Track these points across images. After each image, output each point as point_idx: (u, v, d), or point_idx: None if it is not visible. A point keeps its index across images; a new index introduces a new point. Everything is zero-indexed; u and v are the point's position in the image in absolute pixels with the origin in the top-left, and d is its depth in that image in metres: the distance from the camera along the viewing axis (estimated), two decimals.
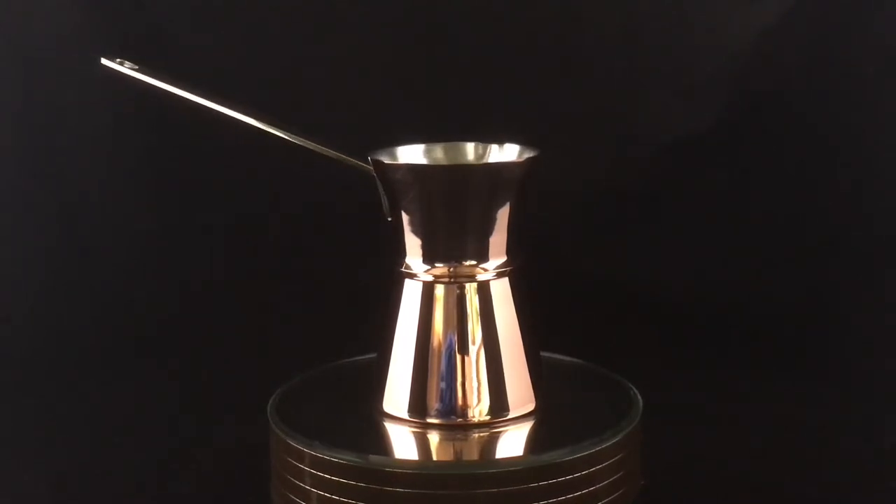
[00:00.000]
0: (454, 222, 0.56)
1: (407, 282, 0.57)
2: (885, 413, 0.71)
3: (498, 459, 0.54)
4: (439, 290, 0.57)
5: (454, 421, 0.56)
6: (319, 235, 0.88)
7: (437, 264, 0.57)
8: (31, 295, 0.87)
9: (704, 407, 0.72)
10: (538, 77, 0.86)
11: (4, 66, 0.87)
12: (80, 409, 0.74)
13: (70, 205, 0.88)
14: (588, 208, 0.88)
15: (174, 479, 0.63)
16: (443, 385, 0.56)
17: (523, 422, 0.57)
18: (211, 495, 0.61)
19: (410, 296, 0.57)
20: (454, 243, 0.56)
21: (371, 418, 0.58)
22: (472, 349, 0.56)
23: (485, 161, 0.61)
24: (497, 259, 0.57)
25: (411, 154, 0.60)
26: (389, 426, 0.57)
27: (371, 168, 0.58)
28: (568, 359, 0.65)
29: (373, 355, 0.59)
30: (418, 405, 0.56)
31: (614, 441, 0.54)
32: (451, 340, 0.56)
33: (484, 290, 0.57)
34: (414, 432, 0.56)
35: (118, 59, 0.61)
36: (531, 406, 0.57)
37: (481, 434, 0.56)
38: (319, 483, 0.53)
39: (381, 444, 0.57)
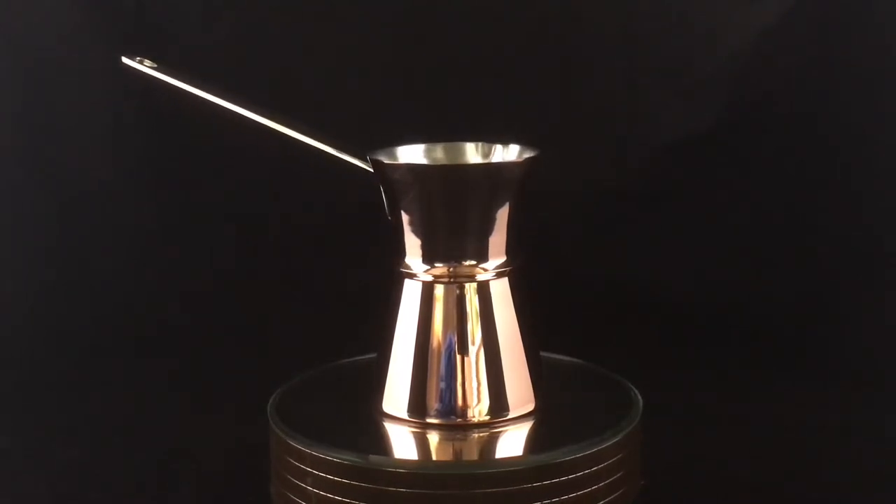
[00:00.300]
0: (454, 222, 0.56)
1: (407, 282, 0.57)
2: (885, 413, 0.71)
3: (498, 459, 0.54)
4: (439, 290, 0.57)
5: (454, 421, 0.56)
6: (319, 235, 0.88)
7: (436, 264, 0.57)
8: (31, 295, 0.87)
9: (704, 407, 0.72)
10: (538, 77, 0.86)
11: (4, 65, 0.87)
12: (80, 409, 0.74)
13: (70, 205, 0.88)
14: (588, 208, 0.88)
15: (174, 479, 0.63)
16: (442, 385, 0.56)
17: (523, 422, 0.57)
18: (211, 495, 0.61)
19: (410, 296, 0.57)
20: (454, 243, 0.56)
21: (371, 418, 0.58)
22: (472, 349, 0.56)
23: (485, 161, 0.61)
24: (497, 259, 0.57)
25: (411, 154, 0.60)
26: (389, 426, 0.57)
27: (371, 168, 0.58)
28: (568, 359, 0.65)
29: (373, 355, 0.59)
30: (418, 405, 0.56)
31: (614, 441, 0.54)
32: (450, 340, 0.56)
33: (483, 290, 0.57)
34: (414, 432, 0.56)
35: (138, 58, 0.61)
36: (531, 406, 0.57)
37: (481, 434, 0.56)
38: (319, 483, 0.53)
39: (381, 444, 0.57)
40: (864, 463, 0.64)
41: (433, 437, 0.56)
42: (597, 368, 0.64)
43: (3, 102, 0.87)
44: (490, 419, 0.56)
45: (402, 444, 0.56)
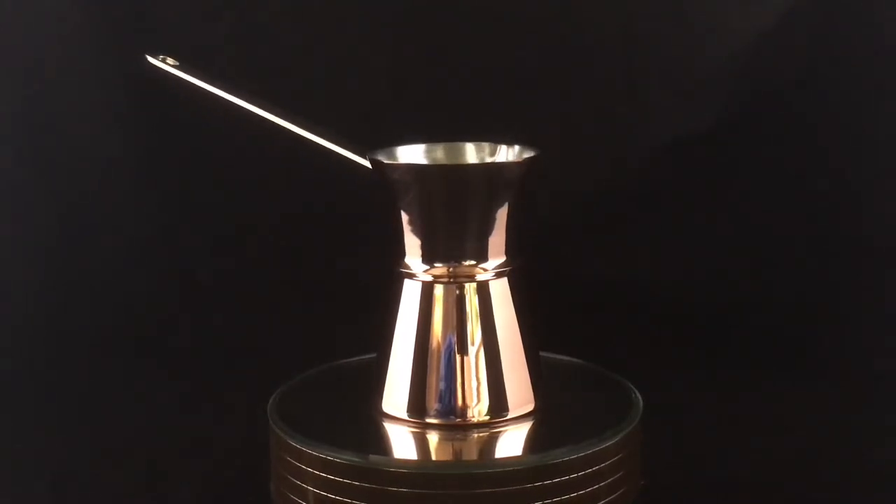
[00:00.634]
0: (454, 222, 0.56)
1: (406, 282, 0.57)
2: (885, 413, 0.71)
3: (497, 459, 0.54)
4: (439, 290, 0.57)
5: (453, 421, 0.56)
6: (319, 235, 0.88)
7: (436, 264, 0.57)
8: (31, 295, 0.87)
9: (704, 407, 0.72)
10: (538, 77, 0.86)
11: (4, 65, 0.87)
12: (80, 409, 0.74)
13: (70, 205, 0.88)
14: (588, 208, 0.88)
15: (174, 480, 0.63)
16: (442, 385, 0.56)
17: (523, 422, 0.57)
18: (211, 495, 0.61)
19: (410, 296, 0.57)
20: (454, 243, 0.56)
21: (371, 418, 0.58)
22: (472, 349, 0.56)
23: (484, 161, 0.61)
24: (496, 259, 0.57)
25: (411, 154, 0.60)
26: (389, 426, 0.57)
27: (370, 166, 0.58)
28: (568, 359, 0.65)
29: (373, 355, 0.59)
30: (418, 405, 0.56)
31: (614, 441, 0.54)
32: (450, 340, 0.56)
33: (483, 290, 0.57)
34: (413, 432, 0.56)
35: (161, 56, 0.61)
36: (530, 406, 0.57)
37: (481, 434, 0.56)
38: (319, 483, 0.53)
39: (381, 444, 0.57)
40: (864, 463, 0.64)
41: (433, 437, 0.56)
42: (597, 368, 0.64)
43: (3, 102, 0.87)
44: (490, 419, 0.56)
45: (402, 444, 0.56)
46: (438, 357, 0.56)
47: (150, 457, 0.66)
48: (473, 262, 0.57)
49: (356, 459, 0.52)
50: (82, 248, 0.88)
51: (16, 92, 0.87)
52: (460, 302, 0.56)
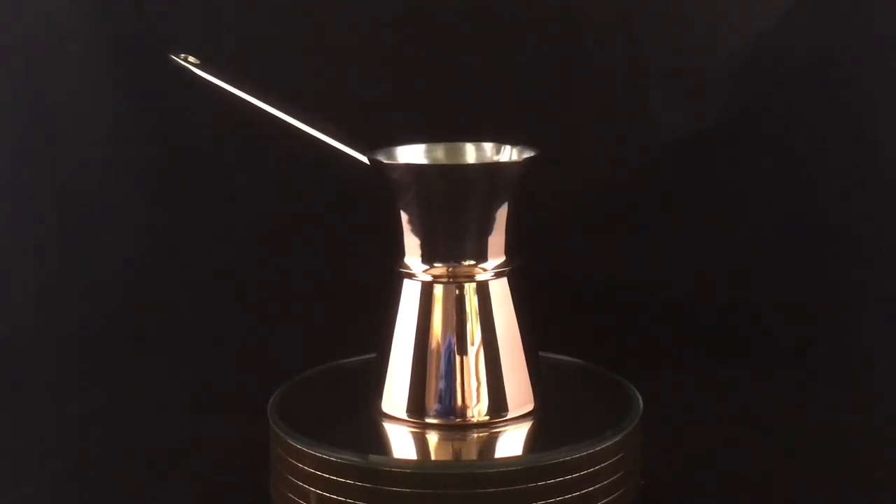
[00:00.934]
0: (453, 222, 0.56)
1: (406, 282, 0.57)
2: (885, 413, 0.71)
3: (497, 459, 0.54)
4: (438, 290, 0.57)
5: (453, 421, 0.56)
6: (319, 235, 0.88)
7: (436, 264, 0.57)
8: (31, 295, 0.87)
9: (704, 407, 0.72)
10: (538, 77, 0.86)
11: (4, 65, 0.87)
12: (80, 409, 0.74)
13: (70, 204, 0.88)
14: (588, 208, 0.88)
15: (174, 480, 0.63)
16: (442, 385, 0.56)
17: (522, 422, 0.57)
18: (211, 495, 0.61)
19: (409, 296, 0.57)
20: (453, 243, 0.56)
21: (371, 418, 0.58)
22: (471, 349, 0.56)
23: (484, 161, 0.61)
24: (496, 259, 0.57)
25: (410, 154, 0.60)
26: (389, 426, 0.57)
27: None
28: (568, 359, 0.65)
29: (372, 355, 0.59)
30: (417, 405, 0.56)
31: (614, 441, 0.54)
32: (449, 340, 0.56)
33: (483, 290, 0.57)
34: (413, 432, 0.56)
35: (182, 55, 0.61)
36: (530, 406, 0.57)
37: (480, 434, 0.56)
38: (319, 483, 0.53)
39: (381, 443, 0.57)
40: (863, 463, 0.64)
41: (432, 437, 0.56)
42: (597, 368, 0.64)
43: (4, 102, 0.87)
44: (489, 419, 0.56)
45: (402, 443, 0.56)
46: (438, 357, 0.56)
47: (150, 457, 0.66)
48: (473, 262, 0.57)
49: (356, 459, 0.52)
50: (82, 248, 0.88)
51: (16, 91, 0.87)
52: (460, 302, 0.56)
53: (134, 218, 0.89)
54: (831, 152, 0.84)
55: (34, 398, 0.76)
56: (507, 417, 0.57)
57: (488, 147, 0.61)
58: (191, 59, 0.61)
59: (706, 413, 0.71)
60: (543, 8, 0.86)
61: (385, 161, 0.58)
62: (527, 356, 0.57)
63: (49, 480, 0.64)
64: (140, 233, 0.89)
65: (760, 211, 0.85)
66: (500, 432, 0.56)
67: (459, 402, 0.56)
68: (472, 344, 0.56)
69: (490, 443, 0.56)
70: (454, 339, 0.56)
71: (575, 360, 0.65)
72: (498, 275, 0.57)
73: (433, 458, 0.56)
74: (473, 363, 0.56)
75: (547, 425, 0.57)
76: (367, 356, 0.61)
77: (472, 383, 0.56)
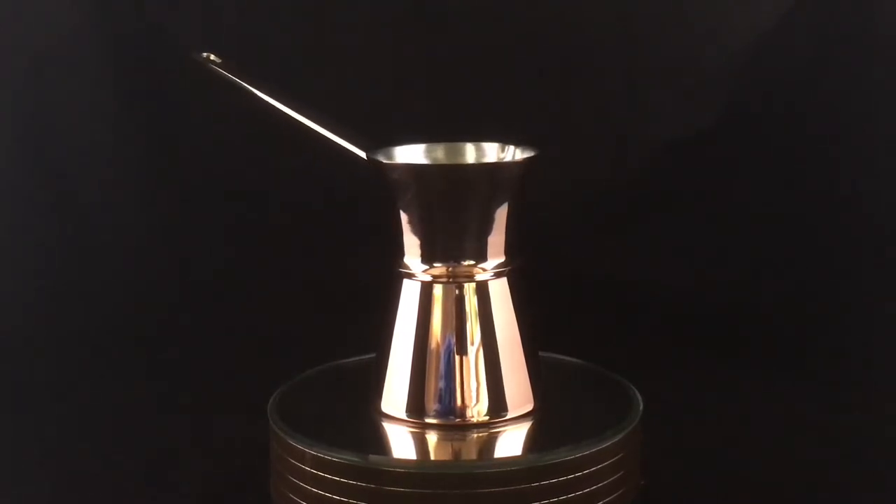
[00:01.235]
0: (453, 222, 0.56)
1: (405, 282, 0.57)
2: (884, 413, 0.71)
3: (497, 459, 0.54)
4: (438, 290, 0.57)
5: (453, 421, 0.56)
6: (319, 235, 0.88)
7: (435, 264, 0.57)
8: (31, 295, 0.87)
9: (704, 407, 0.72)
10: (538, 77, 0.86)
11: (4, 65, 0.87)
12: (79, 409, 0.74)
13: (69, 205, 0.88)
14: (588, 208, 0.88)
15: (174, 480, 0.63)
16: (441, 385, 0.56)
17: (522, 422, 0.57)
18: (211, 495, 0.61)
19: (409, 296, 0.57)
20: (453, 243, 0.56)
21: (371, 418, 0.58)
22: (471, 349, 0.56)
23: (484, 161, 0.61)
24: (496, 259, 0.57)
25: (410, 154, 0.60)
26: (388, 426, 0.57)
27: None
28: (568, 359, 0.65)
29: (372, 355, 0.59)
30: (417, 405, 0.56)
31: (614, 441, 0.54)
32: (449, 340, 0.56)
33: (482, 290, 0.57)
34: (413, 432, 0.56)
35: (204, 54, 0.61)
36: (530, 406, 0.57)
37: (480, 434, 0.56)
38: (319, 482, 0.53)
39: (381, 443, 0.57)
40: (864, 463, 0.64)
41: (432, 437, 0.56)
42: (597, 368, 0.64)
43: (3, 102, 0.87)
44: (489, 419, 0.56)
45: (402, 443, 0.56)
46: (438, 357, 0.56)
47: (150, 457, 0.66)
48: (473, 262, 0.57)
49: (356, 459, 0.52)
50: (82, 248, 0.88)
51: (16, 91, 0.88)
52: (459, 302, 0.56)
53: (134, 218, 0.89)
54: (831, 152, 0.84)
55: (34, 398, 0.76)
56: (507, 417, 0.57)
57: (488, 147, 0.61)
58: (212, 57, 0.61)
59: (706, 413, 0.71)
60: (543, 8, 0.87)
61: (385, 161, 0.58)
62: (526, 356, 0.57)
63: (49, 480, 0.64)
64: (140, 233, 0.89)
65: (760, 211, 0.85)
66: (499, 432, 0.56)
67: (459, 402, 0.56)
68: (472, 344, 0.56)
69: (490, 443, 0.56)
70: (454, 339, 0.56)
71: (575, 360, 0.65)
72: (497, 275, 0.57)
73: (433, 458, 0.56)
74: (473, 363, 0.56)
75: (547, 425, 0.57)
76: (367, 356, 0.61)
77: (471, 383, 0.56)
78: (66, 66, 0.87)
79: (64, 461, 0.66)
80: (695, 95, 0.86)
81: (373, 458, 0.53)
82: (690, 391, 0.75)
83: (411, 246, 0.57)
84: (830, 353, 0.79)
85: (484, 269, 0.57)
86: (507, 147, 0.60)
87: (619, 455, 0.54)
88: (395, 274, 0.58)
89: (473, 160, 0.61)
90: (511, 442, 0.56)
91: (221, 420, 0.71)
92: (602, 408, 0.59)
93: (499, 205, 0.56)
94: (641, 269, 0.87)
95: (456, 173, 0.58)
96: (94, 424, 0.71)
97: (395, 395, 0.57)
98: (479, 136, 0.62)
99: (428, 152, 0.61)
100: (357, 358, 0.65)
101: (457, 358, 0.56)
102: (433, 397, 0.56)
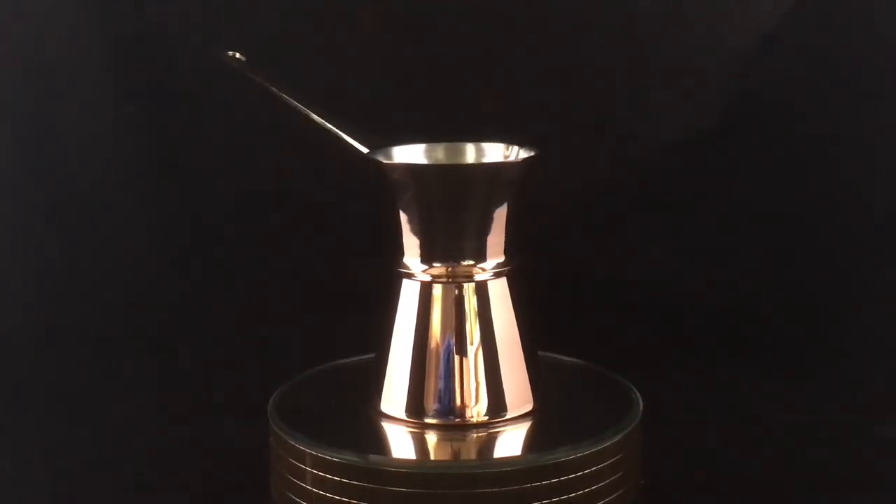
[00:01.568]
0: (452, 222, 0.56)
1: (405, 282, 0.57)
2: (884, 413, 0.71)
3: (496, 459, 0.54)
4: (437, 290, 0.57)
5: (452, 421, 0.56)
6: (319, 235, 0.88)
7: (434, 264, 0.57)
8: (32, 295, 0.87)
9: (704, 407, 0.72)
10: (538, 77, 0.86)
11: (4, 65, 0.87)
12: (80, 409, 0.74)
13: (69, 205, 0.88)
14: (588, 208, 0.88)
15: (174, 480, 0.63)
16: (441, 385, 0.56)
17: (522, 422, 0.57)
18: (211, 495, 0.61)
19: (408, 296, 0.57)
20: (452, 243, 0.56)
21: (371, 418, 0.58)
22: (470, 349, 0.56)
23: (483, 161, 0.61)
24: (495, 259, 0.57)
25: (410, 154, 0.60)
26: (388, 426, 0.57)
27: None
28: (567, 359, 0.65)
29: (372, 355, 0.59)
30: (416, 405, 0.56)
31: (614, 441, 0.54)
32: (448, 340, 0.56)
33: (482, 290, 0.57)
34: (412, 432, 0.56)
35: (230, 52, 0.61)
36: (529, 406, 0.57)
37: (479, 434, 0.56)
38: (319, 482, 0.53)
39: (381, 443, 0.57)
40: (863, 463, 0.64)
41: (432, 437, 0.56)
42: (597, 368, 0.64)
43: (3, 102, 0.87)
44: (488, 419, 0.56)
45: (402, 443, 0.56)
46: (437, 357, 0.56)
47: (150, 457, 0.66)
48: (472, 262, 0.57)
49: (356, 459, 0.52)
50: (82, 248, 0.88)
51: (16, 92, 0.87)
52: (459, 302, 0.56)
53: (134, 218, 0.89)
54: (831, 152, 0.84)
55: (34, 398, 0.76)
56: (507, 417, 0.57)
57: (488, 147, 0.61)
58: (238, 55, 0.62)
59: (706, 413, 0.71)
60: (544, 8, 0.86)
61: (385, 161, 0.58)
62: (526, 356, 0.57)
63: (49, 480, 0.64)
64: (140, 233, 0.89)
65: (760, 211, 0.85)
66: (499, 432, 0.56)
67: (458, 402, 0.56)
68: (472, 344, 0.56)
69: (489, 443, 0.56)
70: (453, 339, 0.56)
71: (575, 360, 0.65)
72: (497, 275, 0.57)
73: (432, 458, 0.56)
74: (472, 363, 0.56)
75: (546, 425, 0.57)
76: (367, 356, 0.61)
77: (471, 383, 0.56)
78: (66, 66, 0.87)
79: (64, 461, 0.66)
80: (695, 95, 0.86)
81: (373, 458, 0.53)
82: (690, 391, 0.75)
83: (411, 246, 0.57)
84: (830, 353, 0.79)
85: (483, 269, 0.57)
86: (506, 147, 0.60)
87: (619, 455, 0.54)
88: (394, 274, 0.58)
89: (473, 160, 0.61)
90: (510, 442, 0.56)
91: (221, 420, 0.71)
92: (602, 408, 0.59)
93: (498, 205, 0.56)
94: (641, 269, 0.87)
95: (456, 173, 0.58)
96: (94, 424, 0.71)
97: (394, 395, 0.57)
98: (479, 136, 0.61)
99: (428, 152, 0.61)
100: (357, 358, 0.65)
101: (456, 358, 0.56)
102: (433, 397, 0.56)
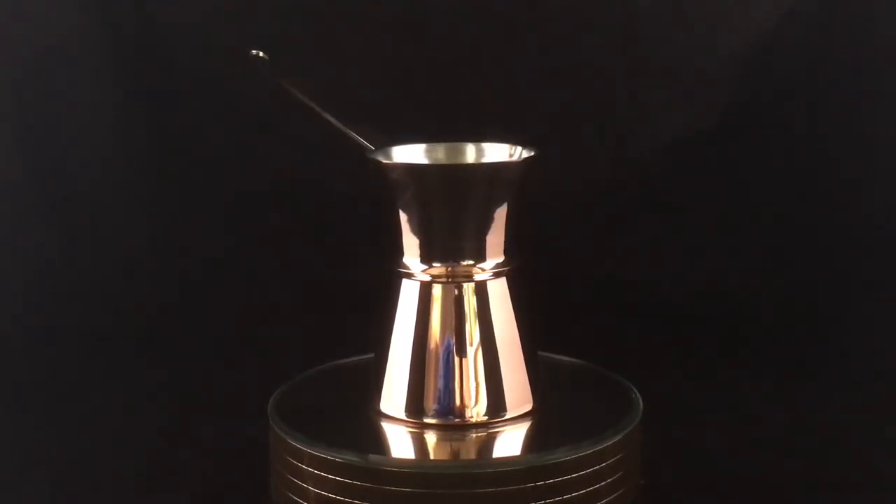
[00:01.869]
0: (452, 222, 0.56)
1: (404, 282, 0.57)
2: (885, 413, 0.71)
3: (496, 459, 0.54)
4: (437, 290, 0.57)
5: (452, 421, 0.56)
6: (319, 235, 0.88)
7: (434, 264, 0.57)
8: (32, 295, 0.87)
9: (704, 407, 0.72)
10: (538, 77, 0.86)
11: (4, 65, 0.87)
12: (79, 410, 0.74)
13: (70, 204, 0.88)
14: (588, 208, 0.88)
15: (174, 480, 0.63)
16: (440, 385, 0.56)
17: (521, 422, 0.57)
18: (211, 495, 0.61)
19: (408, 296, 0.57)
20: (452, 243, 0.56)
21: (371, 418, 0.58)
22: (470, 349, 0.56)
23: (483, 161, 0.61)
24: (495, 259, 0.57)
25: (409, 154, 0.60)
26: (388, 426, 0.57)
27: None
28: (567, 359, 0.65)
29: (372, 355, 0.59)
30: (416, 405, 0.56)
31: (614, 441, 0.54)
32: (448, 340, 0.56)
33: (481, 290, 0.57)
34: (412, 432, 0.56)
35: (254, 51, 0.61)
36: (529, 406, 0.57)
37: (479, 434, 0.56)
38: (319, 482, 0.53)
39: (381, 443, 0.57)
40: (864, 463, 0.64)
41: (431, 437, 0.56)
42: (597, 368, 0.64)
43: (3, 102, 0.87)
44: (488, 419, 0.56)
45: (401, 443, 0.56)
46: (437, 357, 0.56)
47: (150, 457, 0.66)
48: (472, 262, 0.57)
49: (356, 459, 0.52)
50: (82, 248, 0.88)
51: (16, 92, 0.87)
52: (458, 302, 0.56)
53: (134, 217, 0.89)
54: (831, 152, 0.84)
55: (34, 398, 0.76)
56: (506, 417, 0.57)
57: (488, 147, 0.61)
58: (262, 54, 0.62)
59: (706, 413, 0.71)
60: (544, 8, 0.86)
61: (384, 161, 0.58)
62: (525, 356, 0.57)
63: (49, 480, 0.64)
64: (140, 232, 0.89)
65: (760, 211, 0.85)
66: (498, 432, 0.56)
67: (458, 401, 0.56)
68: (471, 344, 0.56)
69: (489, 443, 0.56)
70: (453, 339, 0.56)
71: (575, 360, 0.65)
72: (497, 275, 0.57)
73: (432, 457, 0.56)
74: (472, 363, 0.56)
75: (546, 425, 0.57)
76: (367, 356, 0.61)
77: (470, 383, 0.56)
78: (66, 66, 0.87)
79: (64, 461, 0.66)
80: (695, 95, 0.86)
81: (372, 457, 0.53)
82: (690, 391, 0.75)
83: (410, 246, 0.57)
84: (830, 353, 0.79)
85: (483, 269, 0.57)
86: (506, 147, 0.60)
87: (619, 455, 0.54)
88: (394, 274, 0.58)
89: (473, 160, 0.61)
90: (510, 442, 0.56)
91: (221, 420, 0.71)
92: (602, 408, 0.59)
93: (498, 205, 0.56)
94: (641, 269, 0.87)
95: (455, 173, 0.58)
96: (94, 424, 0.71)
97: (394, 395, 0.57)
98: (479, 136, 0.61)
99: (428, 152, 0.61)
100: (357, 358, 0.65)
101: (456, 358, 0.56)
102: (432, 397, 0.56)
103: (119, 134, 0.89)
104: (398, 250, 0.58)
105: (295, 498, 0.55)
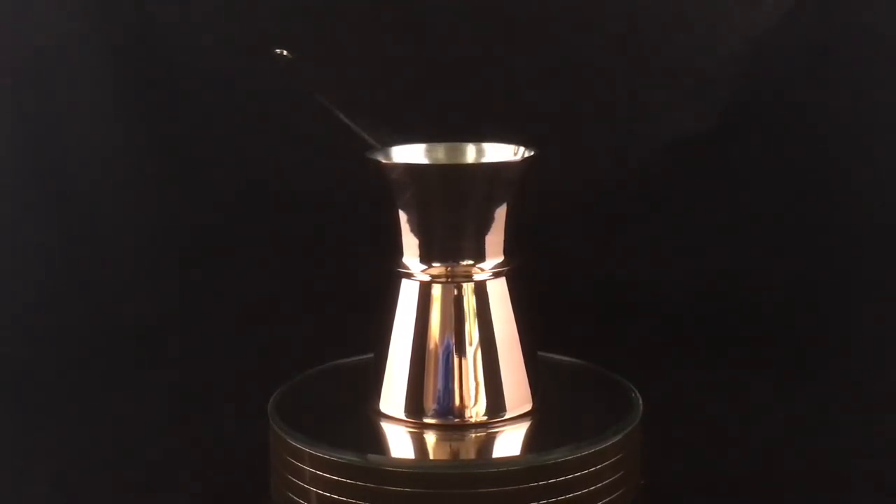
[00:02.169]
0: (452, 222, 0.56)
1: (404, 281, 0.57)
2: (885, 413, 0.71)
3: (495, 459, 0.54)
4: (436, 290, 0.57)
5: (451, 421, 0.56)
6: (319, 235, 0.88)
7: (434, 264, 0.57)
8: (32, 295, 0.87)
9: (704, 407, 0.72)
10: (538, 77, 0.86)
11: (4, 65, 0.87)
12: (79, 410, 0.74)
13: (70, 204, 0.88)
14: (588, 208, 0.88)
15: (174, 480, 0.63)
16: (440, 385, 0.56)
17: (521, 422, 0.57)
18: (211, 495, 0.61)
19: (407, 295, 0.57)
20: (451, 243, 0.56)
21: (370, 418, 0.58)
22: (470, 349, 0.56)
23: (483, 161, 0.61)
24: (494, 259, 0.57)
25: (409, 154, 0.60)
26: (388, 426, 0.57)
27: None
28: (567, 359, 0.65)
29: (371, 355, 0.59)
30: (415, 405, 0.56)
31: (614, 441, 0.54)
32: (448, 340, 0.56)
33: (481, 290, 0.57)
34: (412, 432, 0.56)
35: (278, 49, 0.61)
36: (529, 406, 0.57)
37: (478, 434, 0.56)
38: (319, 482, 0.53)
39: (381, 443, 0.57)
40: (863, 463, 0.64)
41: (431, 437, 0.56)
42: (596, 368, 0.64)
43: (3, 102, 0.87)
44: (488, 419, 0.56)
45: (401, 443, 0.56)
46: (436, 357, 0.56)
47: (150, 457, 0.66)
48: (471, 262, 0.57)
49: (356, 459, 0.52)
50: (82, 248, 0.88)
51: (16, 92, 0.88)
52: (458, 302, 0.56)
53: (134, 218, 0.89)
54: (831, 152, 0.84)
55: (34, 398, 0.76)
56: (506, 417, 0.57)
57: (488, 147, 0.61)
58: (286, 53, 0.62)
59: (706, 413, 0.71)
60: (543, 8, 0.86)
61: (384, 161, 0.58)
62: (525, 356, 0.57)
63: (48, 481, 0.64)
64: (140, 233, 0.89)
65: (761, 210, 0.85)
66: (498, 432, 0.56)
67: (458, 401, 0.56)
68: (471, 344, 0.56)
69: (488, 443, 0.56)
70: (452, 339, 0.56)
71: (575, 360, 0.65)
72: (496, 275, 0.57)
73: (432, 457, 0.56)
74: (472, 363, 0.56)
75: (546, 425, 0.57)
76: (366, 356, 0.61)
77: (470, 383, 0.56)
78: (66, 66, 0.87)
79: (64, 461, 0.66)
80: (695, 95, 0.86)
81: (372, 457, 0.53)
82: (690, 391, 0.75)
83: (410, 246, 0.57)
84: (831, 353, 0.79)
85: (483, 269, 0.57)
86: (506, 147, 0.60)
87: (619, 455, 0.54)
88: (393, 274, 0.58)
89: (473, 160, 0.61)
90: (510, 442, 0.56)
91: (222, 420, 0.71)
92: (602, 408, 0.59)
93: (498, 205, 0.56)
94: (641, 269, 0.87)
95: (455, 173, 0.58)
96: (94, 425, 0.71)
97: (393, 395, 0.57)
98: (478, 136, 0.61)
99: (427, 152, 0.61)
100: (356, 358, 0.65)
101: (455, 358, 0.56)
102: (432, 397, 0.56)
103: (119, 134, 0.89)
104: (398, 250, 0.57)
105: (295, 498, 0.55)
